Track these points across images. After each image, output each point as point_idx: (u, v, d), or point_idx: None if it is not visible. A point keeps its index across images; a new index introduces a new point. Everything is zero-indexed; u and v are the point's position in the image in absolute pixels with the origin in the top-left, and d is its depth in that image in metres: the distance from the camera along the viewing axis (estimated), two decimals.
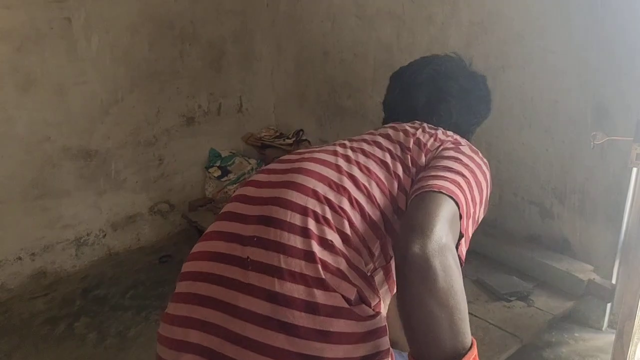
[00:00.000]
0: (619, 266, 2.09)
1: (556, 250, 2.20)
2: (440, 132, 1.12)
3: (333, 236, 0.90)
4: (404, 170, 1.02)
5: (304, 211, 0.92)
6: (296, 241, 0.88)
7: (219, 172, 2.98)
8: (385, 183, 0.99)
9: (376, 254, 0.96)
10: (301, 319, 0.81)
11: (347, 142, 1.12)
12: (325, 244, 0.89)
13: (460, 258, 0.89)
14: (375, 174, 1.00)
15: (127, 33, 2.62)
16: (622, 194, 2.00)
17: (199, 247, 1.04)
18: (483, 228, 2.40)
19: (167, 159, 2.87)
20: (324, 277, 0.84)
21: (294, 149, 3.14)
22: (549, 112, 2.12)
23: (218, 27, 2.95)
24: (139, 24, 2.65)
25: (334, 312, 0.82)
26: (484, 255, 2.31)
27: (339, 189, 0.96)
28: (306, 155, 1.07)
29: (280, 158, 1.14)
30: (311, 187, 0.96)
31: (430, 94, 1.24)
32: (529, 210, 2.29)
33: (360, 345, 0.83)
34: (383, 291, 0.97)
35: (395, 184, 1.00)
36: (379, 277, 0.97)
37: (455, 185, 0.94)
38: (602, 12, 1.88)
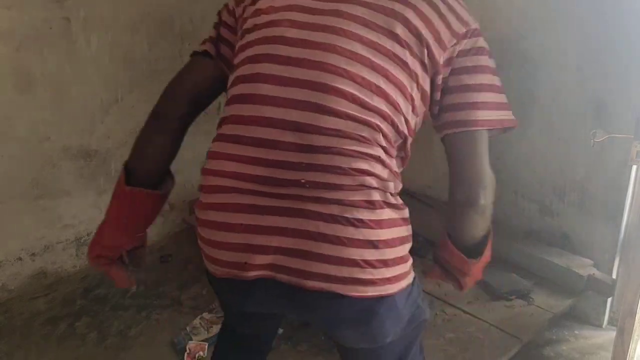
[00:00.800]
0: (619, 262, 2.09)
1: (556, 247, 2.20)
2: (458, 8, 1.09)
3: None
4: (422, 69, 1.02)
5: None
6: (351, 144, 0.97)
7: None
8: (404, 82, 1.01)
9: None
10: (364, 213, 0.97)
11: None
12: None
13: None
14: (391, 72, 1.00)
15: (126, 32, 2.61)
16: (621, 191, 2.00)
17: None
18: None
19: None
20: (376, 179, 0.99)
21: None
22: (548, 109, 2.12)
23: None
24: (138, 23, 2.64)
25: (384, 204, 0.99)
26: None
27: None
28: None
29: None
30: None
31: None
32: (529, 208, 2.29)
33: (401, 229, 1.04)
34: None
35: (414, 84, 1.03)
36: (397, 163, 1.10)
37: (498, 108, 1.09)
38: (602, 8, 1.88)
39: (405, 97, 1.01)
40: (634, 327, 1.52)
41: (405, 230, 1.05)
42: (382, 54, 0.98)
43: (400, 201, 1.05)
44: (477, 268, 1.16)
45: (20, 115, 2.37)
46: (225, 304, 1.25)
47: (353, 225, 0.96)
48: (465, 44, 1.06)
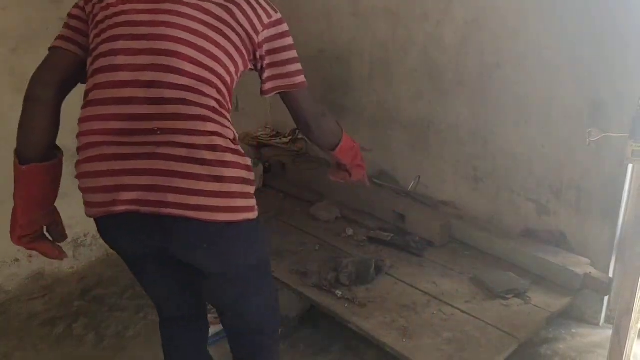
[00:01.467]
0: (615, 260, 2.09)
1: (553, 245, 2.21)
2: (263, 14, 1.37)
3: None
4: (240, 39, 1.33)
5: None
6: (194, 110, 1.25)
7: None
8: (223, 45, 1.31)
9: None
10: (208, 154, 1.23)
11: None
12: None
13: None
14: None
15: None
16: (618, 190, 2.00)
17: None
18: (479, 223, 2.42)
19: None
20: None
21: (290, 147, 3.14)
22: (545, 108, 2.13)
23: None
24: None
25: (226, 149, 1.27)
26: (480, 251, 2.32)
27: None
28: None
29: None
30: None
31: None
32: (526, 207, 2.30)
33: (243, 171, 1.31)
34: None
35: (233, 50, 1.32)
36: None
37: (301, 71, 1.46)
38: (597, 7, 1.89)
39: (232, 61, 1.31)
40: (631, 325, 1.53)
41: (247, 174, 1.31)
42: (213, 30, 1.27)
43: (241, 150, 1.32)
44: (344, 156, 1.66)
45: (17, 115, 2.36)
46: (115, 249, 1.43)
47: (200, 163, 1.22)
48: (272, 30, 1.38)
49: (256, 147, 3.20)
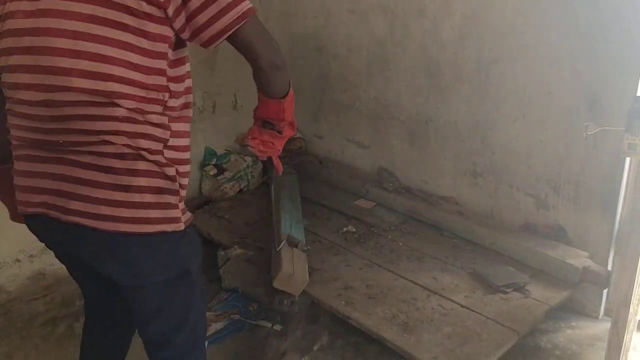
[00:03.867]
0: (614, 253, 2.11)
1: (552, 239, 2.22)
2: None
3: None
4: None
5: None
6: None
7: (214, 170, 2.98)
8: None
9: None
10: (113, 162, 1.17)
11: None
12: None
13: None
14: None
15: None
16: (616, 183, 2.01)
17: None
18: (479, 218, 2.43)
19: None
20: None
21: (287, 146, 3.13)
22: (543, 103, 2.13)
23: None
24: None
25: (138, 157, 1.19)
26: (480, 245, 2.33)
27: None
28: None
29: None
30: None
31: None
32: (525, 201, 2.31)
33: (159, 180, 1.23)
34: None
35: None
36: None
37: (240, 1, 1.19)
38: (595, 3, 1.89)
39: (137, 51, 1.14)
40: (629, 318, 1.54)
41: (165, 184, 1.23)
42: (101, 23, 1.11)
43: (164, 159, 1.22)
44: (288, 107, 1.44)
45: None
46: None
47: (105, 171, 1.17)
48: None
49: None
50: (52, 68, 1.12)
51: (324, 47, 2.88)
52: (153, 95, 1.18)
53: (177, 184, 1.26)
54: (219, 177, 2.96)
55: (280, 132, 1.46)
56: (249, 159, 3.05)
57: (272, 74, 1.31)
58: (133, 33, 1.12)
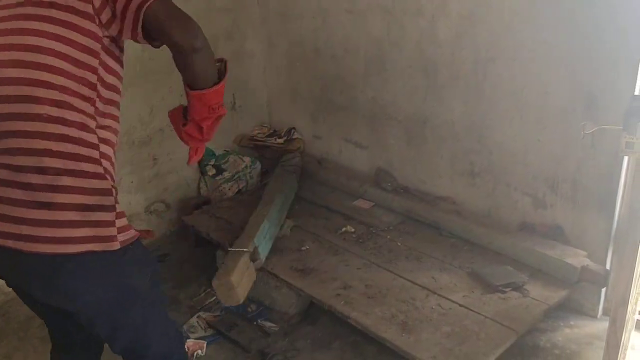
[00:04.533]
0: (612, 252, 2.11)
1: (550, 239, 2.22)
2: None
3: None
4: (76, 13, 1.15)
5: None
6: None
7: (213, 171, 2.98)
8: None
9: None
10: (33, 178, 1.11)
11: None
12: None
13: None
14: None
15: None
16: (613, 182, 2.02)
17: None
18: (477, 218, 2.43)
19: (162, 158, 2.86)
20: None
21: (285, 147, 3.14)
22: (540, 102, 2.14)
23: (209, 25, 2.92)
24: None
25: (62, 172, 1.12)
26: (478, 245, 2.33)
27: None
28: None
29: None
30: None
31: None
32: (522, 201, 2.31)
33: (87, 197, 1.15)
34: None
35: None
36: None
37: None
38: (592, 2, 1.90)
39: (65, 43, 1.13)
40: (627, 317, 1.54)
41: (95, 200, 1.15)
42: (30, 19, 1.12)
43: (94, 171, 1.16)
44: (219, 93, 1.32)
45: None
46: None
47: (22, 188, 1.10)
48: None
49: (253, 148, 3.21)
50: None
51: (321, 47, 2.89)
52: (84, 91, 1.14)
53: (113, 198, 1.18)
54: (217, 178, 2.96)
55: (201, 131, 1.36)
56: (247, 159, 3.05)
57: (189, 56, 1.19)
58: (61, 25, 1.12)
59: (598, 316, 2.17)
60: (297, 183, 2.86)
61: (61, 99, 1.11)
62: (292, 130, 3.18)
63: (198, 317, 2.25)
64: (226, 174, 2.96)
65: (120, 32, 1.19)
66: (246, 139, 3.22)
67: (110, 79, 1.21)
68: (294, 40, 3.03)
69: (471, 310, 1.96)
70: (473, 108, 2.35)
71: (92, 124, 1.16)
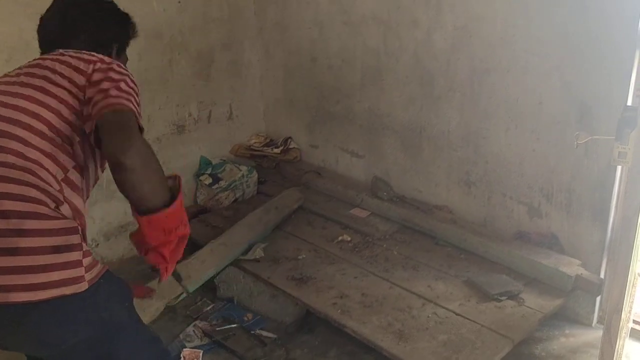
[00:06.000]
0: (606, 261, 2.12)
1: (545, 247, 2.23)
2: (85, 55, 1.30)
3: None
4: (69, 93, 1.22)
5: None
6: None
7: (210, 180, 2.99)
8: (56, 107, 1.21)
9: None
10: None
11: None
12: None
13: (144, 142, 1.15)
14: (45, 103, 1.20)
15: None
16: (607, 191, 2.04)
17: None
18: (473, 227, 2.44)
19: None
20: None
21: (282, 157, 3.16)
22: (534, 113, 2.16)
23: (206, 36, 2.97)
24: None
25: (28, 214, 1.10)
26: (474, 254, 2.34)
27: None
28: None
29: None
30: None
31: (61, 25, 1.41)
32: (517, 210, 2.33)
33: (56, 238, 1.12)
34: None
35: (65, 108, 1.21)
36: None
37: (126, 96, 1.19)
38: (584, 14, 1.93)
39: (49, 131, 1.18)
40: (621, 325, 1.55)
41: (62, 240, 1.11)
42: (25, 86, 1.21)
43: (60, 213, 1.14)
44: (174, 215, 1.21)
45: None
46: None
47: None
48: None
49: (250, 157, 3.22)
50: None
51: (318, 58, 2.91)
52: (60, 138, 1.18)
53: (80, 236, 1.15)
54: (214, 187, 2.96)
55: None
56: (244, 168, 3.06)
57: (118, 174, 1.11)
58: (44, 93, 1.21)
59: (593, 324, 2.18)
60: (294, 205, 2.85)
61: (30, 155, 1.14)
62: (289, 140, 3.20)
63: (194, 326, 2.25)
64: (222, 183, 2.97)
65: (85, 120, 1.22)
66: (243, 148, 3.23)
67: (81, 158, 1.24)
68: (290, 51, 3.05)
69: (467, 319, 1.97)
70: (469, 118, 2.38)
71: (59, 178, 1.18)
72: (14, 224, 1.07)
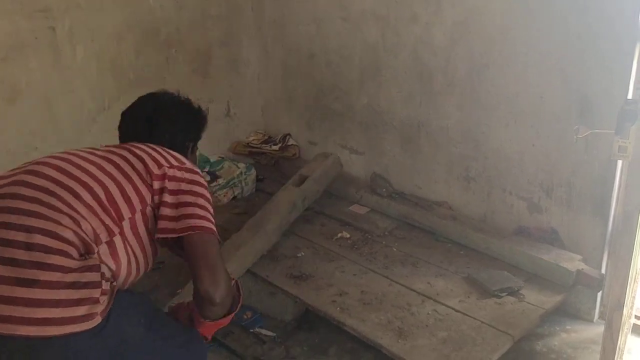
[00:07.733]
0: (607, 256, 2.11)
1: (545, 243, 2.22)
2: (172, 159, 1.39)
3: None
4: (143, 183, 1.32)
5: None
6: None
7: (208, 177, 2.97)
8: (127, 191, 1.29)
9: None
10: (21, 254, 1.11)
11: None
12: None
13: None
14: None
15: (112, 41, 2.61)
16: (607, 185, 2.02)
17: None
18: (472, 223, 2.43)
19: None
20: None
21: (281, 154, 3.14)
22: (534, 107, 2.15)
23: (204, 33, 2.95)
24: (124, 31, 2.64)
25: (51, 250, 1.13)
26: (473, 250, 2.33)
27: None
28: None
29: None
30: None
31: (146, 127, 1.52)
32: (518, 205, 2.31)
33: (71, 274, 1.14)
34: None
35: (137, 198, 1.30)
36: None
37: (210, 218, 1.33)
38: (585, 7, 1.91)
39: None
40: (622, 320, 1.54)
41: (80, 277, 1.13)
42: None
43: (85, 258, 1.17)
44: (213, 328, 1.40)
45: (7, 125, 2.36)
46: None
47: (5, 264, 1.09)
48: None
49: (248, 154, 3.21)
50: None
51: (316, 54, 2.89)
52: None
53: (99, 274, 1.15)
54: (212, 184, 2.95)
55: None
56: (242, 165, 3.05)
57: (204, 305, 1.26)
58: (119, 171, 1.32)
59: (594, 320, 2.17)
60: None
61: (77, 207, 1.20)
62: (288, 137, 3.18)
63: None
64: (221, 181, 2.95)
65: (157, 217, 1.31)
66: (241, 145, 3.22)
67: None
68: (289, 47, 3.04)
69: (467, 315, 1.96)
70: (468, 113, 2.36)
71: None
72: (37, 257, 1.09)
